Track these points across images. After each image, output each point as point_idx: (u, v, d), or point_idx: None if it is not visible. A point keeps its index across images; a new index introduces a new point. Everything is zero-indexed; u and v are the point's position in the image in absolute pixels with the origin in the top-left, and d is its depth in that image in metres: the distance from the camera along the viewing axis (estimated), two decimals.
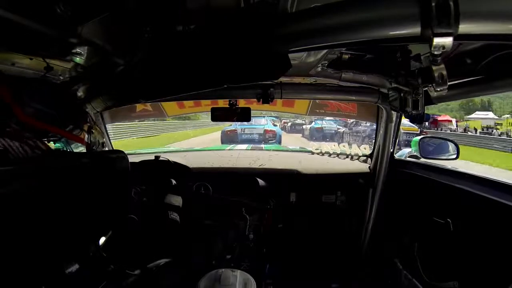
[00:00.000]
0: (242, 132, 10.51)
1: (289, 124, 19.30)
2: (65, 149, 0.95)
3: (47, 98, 0.92)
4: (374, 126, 2.23)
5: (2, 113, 0.82)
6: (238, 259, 1.97)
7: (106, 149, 2.02)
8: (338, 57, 1.32)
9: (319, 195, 2.24)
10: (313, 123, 14.90)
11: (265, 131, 10.62)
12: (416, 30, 0.60)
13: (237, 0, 0.85)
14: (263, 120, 11.07)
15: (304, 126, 16.31)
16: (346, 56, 1.30)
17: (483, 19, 0.57)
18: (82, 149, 1.03)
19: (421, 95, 1.17)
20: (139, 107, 2.56)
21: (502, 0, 0.58)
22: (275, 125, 12.02)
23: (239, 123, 9.80)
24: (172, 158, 2.18)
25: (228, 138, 10.31)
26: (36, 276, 0.76)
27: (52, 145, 0.91)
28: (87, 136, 1.06)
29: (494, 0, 0.58)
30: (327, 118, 13.22)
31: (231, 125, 10.45)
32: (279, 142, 10.42)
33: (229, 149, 3.66)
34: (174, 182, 2.00)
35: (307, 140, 13.95)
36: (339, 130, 13.96)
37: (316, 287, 2.15)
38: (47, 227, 0.75)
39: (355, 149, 2.49)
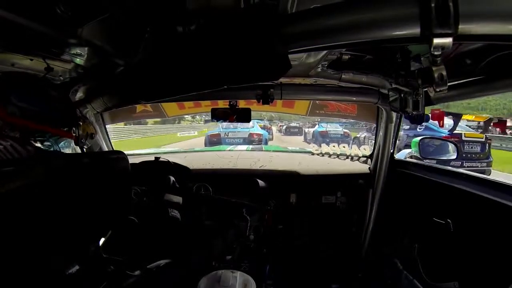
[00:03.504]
0: (226, 137, 10.15)
1: (284, 127, 18.64)
2: (53, 148, 0.94)
3: (33, 95, 0.91)
4: (405, 128, 2.22)
5: None
6: (238, 260, 1.97)
7: (102, 143, 2.02)
8: (338, 58, 1.32)
9: (319, 196, 2.24)
10: (317, 126, 13.62)
11: (251, 134, 10.20)
12: (416, 30, 0.60)
13: (237, 0, 0.86)
14: (250, 124, 10.32)
15: (306, 130, 15.23)
16: (346, 57, 1.30)
17: (483, 19, 0.58)
18: (69, 149, 1.03)
19: (421, 96, 1.17)
20: (139, 107, 2.57)
21: (501, 1, 0.58)
22: (263, 128, 11.69)
23: (224, 125, 10.13)
24: (172, 159, 2.18)
25: (212, 143, 10.01)
26: (35, 276, 0.76)
27: (39, 145, 0.90)
28: (74, 130, 1.05)
29: (494, 0, 0.58)
30: (331, 120, 12.08)
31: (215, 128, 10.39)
32: (266, 145, 10.09)
33: (229, 150, 3.66)
34: (172, 179, 2.00)
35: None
36: (359, 136, 11.50)
37: None
38: (47, 228, 0.75)
39: (355, 150, 2.49)
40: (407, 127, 6.79)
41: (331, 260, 2.23)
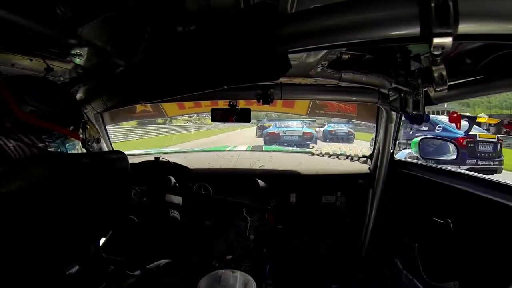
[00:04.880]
0: (284, 134, 12.10)
1: None
2: (60, 150, 0.94)
3: (46, 95, 0.91)
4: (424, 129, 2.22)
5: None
6: (239, 259, 1.97)
7: (102, 143, 2.02)
8: (338, 58, 1.32)
9: (319, 196, 2.24)
10: (326, 125, 15.66)
11: (304, 133, 12.20)
12: (415, 30, 0.60)
13: (237, 0, 0.86)
14: (299, 123, 12.51)
15: (317, 129, 17.61)
16: (346, 57, 1.30)
17: (483, 19, 0.57)
18: (74, 150, 1.03)
19: (421, 95, 1.16)
20: (139, 107, 2.57)
21: (502, 0, 0.58)
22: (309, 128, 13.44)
23: (277, 125, 12.34)
24: (172, 158, 2.18)
25: (270, 140, 11.86)
26: (35, 277, 0.76)
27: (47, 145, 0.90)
28: (81, 132, 1.06)
29: (494, 0, 0.58)
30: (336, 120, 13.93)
31: (270, 126, 12.54)
32: (315, 143, 11.10)
33: (229, 150, 3.66)
34: (173, 180, 2.00)
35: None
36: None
37: None
38: (47, 228, 0.75)
39: (354, 150, 2.49)
40: (425, 128, 7.19)
41: (331, 260, 2.23)
